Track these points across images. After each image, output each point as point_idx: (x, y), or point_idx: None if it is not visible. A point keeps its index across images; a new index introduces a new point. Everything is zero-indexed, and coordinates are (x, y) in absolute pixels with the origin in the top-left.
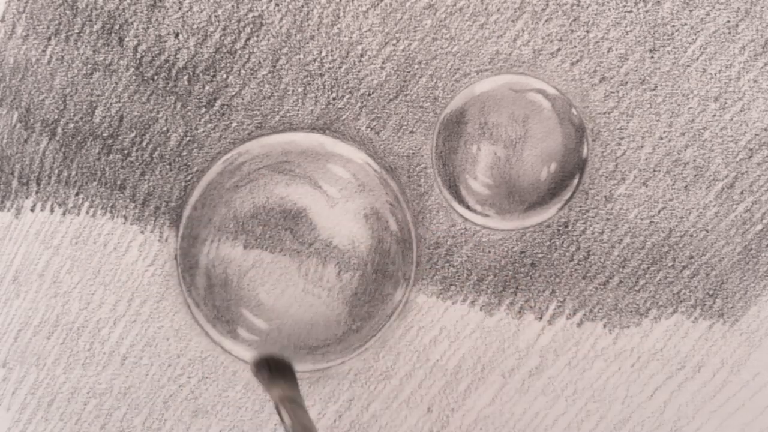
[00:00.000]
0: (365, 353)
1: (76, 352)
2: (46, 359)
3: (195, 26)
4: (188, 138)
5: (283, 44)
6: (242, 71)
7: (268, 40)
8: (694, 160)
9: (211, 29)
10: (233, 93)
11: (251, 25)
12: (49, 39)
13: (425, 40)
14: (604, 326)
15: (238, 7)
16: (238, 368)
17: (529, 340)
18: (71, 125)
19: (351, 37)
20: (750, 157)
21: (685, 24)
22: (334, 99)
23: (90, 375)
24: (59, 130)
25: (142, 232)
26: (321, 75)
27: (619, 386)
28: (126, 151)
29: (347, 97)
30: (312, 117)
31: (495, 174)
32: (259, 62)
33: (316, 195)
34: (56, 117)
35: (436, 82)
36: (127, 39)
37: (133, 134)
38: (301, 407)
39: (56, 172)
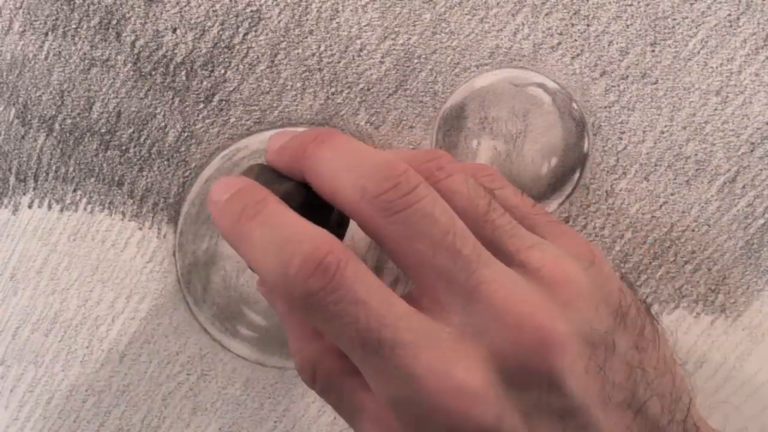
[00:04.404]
0: None
1: (75, 350)
2: (44, 356)
3: (193, 21)
4: (186, 133)
5: (282, 39)
6: (240, 66)
7: (267, 34)
8: (696, 155)
9: (209, 24)
10: (231, 88)
11: (249, 20)
12: (47, 34)
13: (425, 35)
14: None
15: (235, 2)
16: (238, 365)
17: None
18: (69, 121)
19: (350, 32)
20: (752, 151)
21: (686, 17)
22: (333, 94)
23: (88, 372)
24: (57, 126)
25: (140, 229)
26: (320, 70)
27: None
28: (124, 147)
29: (346, 91)
30: (311, 112)
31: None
32: (258, 57)
33: None
34: (54, 113)
35: (435, 77)
36: (124, 34)
37: (131, 130)
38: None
39: (54, 168)
